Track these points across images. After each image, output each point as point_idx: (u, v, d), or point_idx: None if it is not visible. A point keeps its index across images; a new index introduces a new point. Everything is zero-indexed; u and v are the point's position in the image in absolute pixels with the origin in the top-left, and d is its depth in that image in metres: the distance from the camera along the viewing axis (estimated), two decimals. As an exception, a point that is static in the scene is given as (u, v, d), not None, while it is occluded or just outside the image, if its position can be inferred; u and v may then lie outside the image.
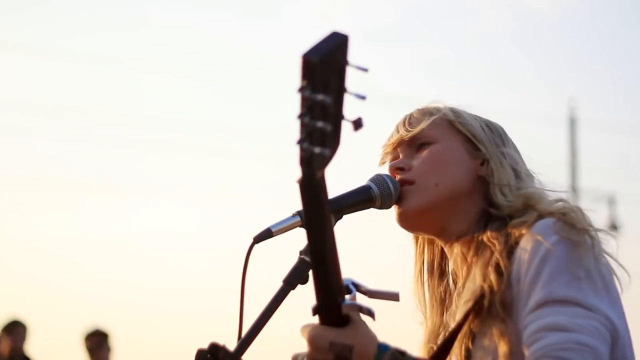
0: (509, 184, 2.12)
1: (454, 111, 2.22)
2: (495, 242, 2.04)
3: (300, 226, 2.07)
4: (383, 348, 1.80)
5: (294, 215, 2.07)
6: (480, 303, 1.99)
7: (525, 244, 1.97)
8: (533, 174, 2.20)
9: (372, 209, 2.16)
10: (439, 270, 2.28)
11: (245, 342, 1.96)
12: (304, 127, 1.54)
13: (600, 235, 2.00)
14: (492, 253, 2.03)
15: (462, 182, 2.15)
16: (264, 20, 24.38)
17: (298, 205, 2.09)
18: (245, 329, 1.98)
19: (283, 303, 2.00)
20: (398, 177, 2.17)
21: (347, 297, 1.84)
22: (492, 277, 1.98)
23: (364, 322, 1.84)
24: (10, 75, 21.56)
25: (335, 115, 1.57)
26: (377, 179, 2.15)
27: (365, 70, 1.62)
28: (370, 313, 1.86)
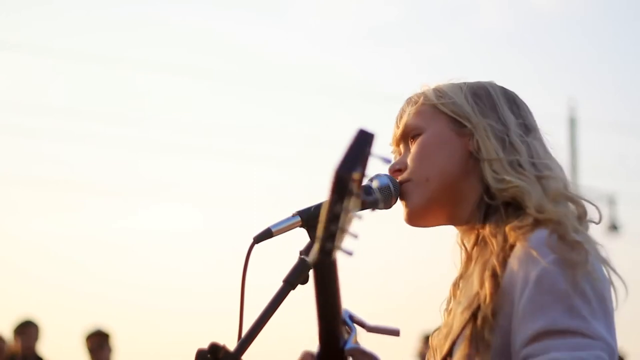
0: (498, 158, 2.07)
1: (437, 91, 2.18)
2: (494, 241, 2.01)
3: (301, 226, 2.07)
4: None
5: (294, 215, 2.07)
6: (475, 315, 1.96)
7: (520, 257, 1.93)
8: (532, 131, 2.14)
9: (372, 209, 2.16)
10: None
11: (245, 342, 1.96)
12: (326, 230, 1.58)
13: (597, 244, 1.97)
14: (490, 254, 2.00)
15: (451, 167, 2.12)
16: (267, 20, 24.38)
17: (298, 206, 2.10)
18: (245, 329, 1.99)
19: (283, 303, 2.01)
20: (398, 178, 2.17)
21: (346, 333, 1.84)
22: (487, 285, 1.95)
23: None
24: (10, 75, 21.56)
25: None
26: (378, 179, 2.15)
27: (389, 161, 1.68)
28: (374, 358, 1.84)
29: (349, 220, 1.59)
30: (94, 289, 16.19)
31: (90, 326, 8.71)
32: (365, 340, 1.92)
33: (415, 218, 2.16)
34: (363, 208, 2.14)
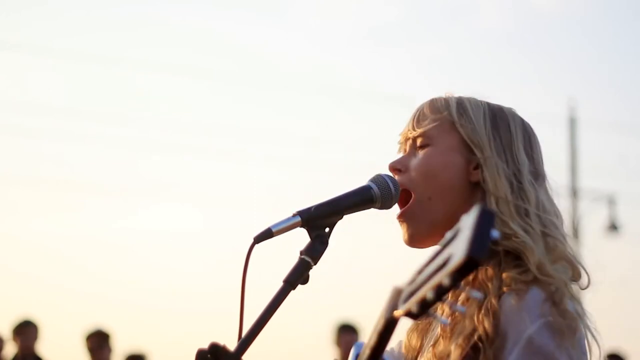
0: (506, 199, 2.07)
1: (460, 109, 2.17)
2: (490, 285, 2.00)
3: (301, 226, 2.07)
4: None
5: (294, 216, 2.07)
6: (474, 350, 1.97)
7: (514, 311, 1.95)
8: (540, 178, 2.14)
9: (372, 209, 2.16)
10: None
11: (245, 342, 1.96)
12: (426, 300, 1.61)
13: (586, 314, 2.01)
14: (485, 293, 1.99)
15: (454, 190, 2.12)
16: (267, 20, 24.38)
17: (298, 206, 2.10)
18: (246, 329, 1.99)
19: (283, 303, 2.00)
20: (396, 177, 2.17)
21: None
22: (487, 323, 1.96)
23: None
24: (10, 75, 21.56)
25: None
26: (378, 179, 2.15)
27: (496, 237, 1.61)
28: None
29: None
30: (94, 289, 16.20)
31: (90, 326, 8.72)
32: None
33: (415, 242, 2.16)
34: (363, 208, 2.14)
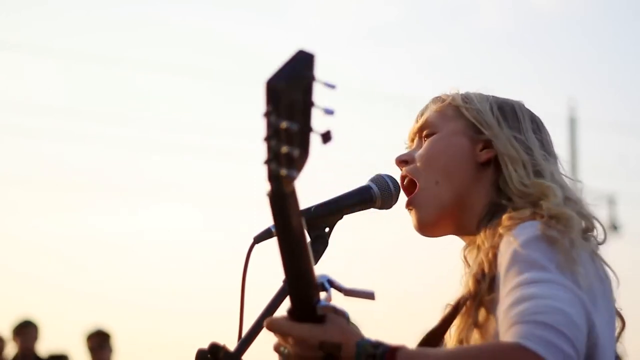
0: (523, 161, 2.06)
1: (463, 96, 2.18)
2: (485, 241, 1.99)
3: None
4: (361, 342, 1.78)
5: (294, 215, 2.07)
6: (458, 308, 1.97)
7: (504, 245, 1.91)
8: (552, 156, 2.14)
9: (372, 209, 2.16)
10: None
11: (245, 342, 1.96)
12: (270, 149, 1.58)
13: (591, 245, 1.95)
14: (479, 254, 1.99)
15: (460, 172, 2.11)
16: (267, 20, 24.38)
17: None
18: (245, 329, 1.99)
19: (283, 303, 2.00)
20: (403, 169, 2.17)
21: (322, 295, 1.84)
22: (471, 283, 1.96)
23: (342, 319, 1.83)
24: (10, 75, 21.55)
25: (302, 135, 1.60)
26: (378, 179, 2.15)
27: (333, 86, 1.64)
28: (345, 316, 1.85)
29: (293, 137, 1.58)
30: (94, 289, 16.20)
31: (90, 326, 8.71)
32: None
33: (426, 227, 2.15)
34: (363, 208, 2.14)
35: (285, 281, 2.00)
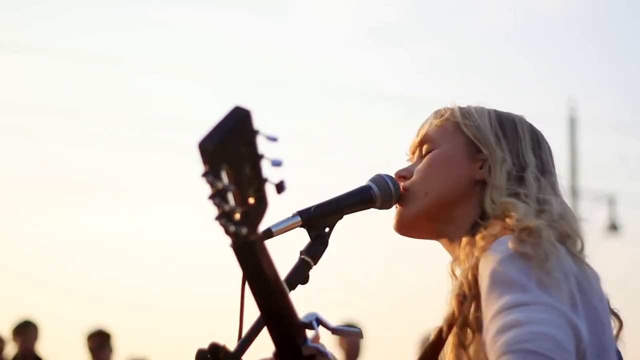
0: (500, 188, 2.06)
1: (463, 112, 2.18)
2: (465, 260, 1.99)
3: (301, 226, 2.07)
4: None
5: (294, 216, 2.07)
6: (443, 331, 1.97)
7: (482, 266, 1.91)
8: (547, 174, 2.13)
9: (372, 209, 2.16)
10: None
11: (245, 342, 1.96)
12: (217, 206, 1.59)
13: (569, 247, 1.94)
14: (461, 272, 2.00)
15: (453, 188, 2.12)
16: (267, 20, 24.38)
17: (298, 206, 2.10)
18: (246, 329, 1.99)
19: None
20: (402, 184, 2.17)
21: (310, 334, 1.84)
22: (454, 303, 1.96)
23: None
24: (10, 75, 21.55)
25: (257, 186, 1.61)
26: (378, 179, 2.15)
27: (275, 139, 1.65)
28: (329, 358, 1.87)
29: (237, 194, 1.59)
30: (94, 289, 16.20)
31: (90, 326, 8.71)
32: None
33: (403, 227, 2.16)
34: (363, 208, 2.14)
35: (286, 278, 2.00)
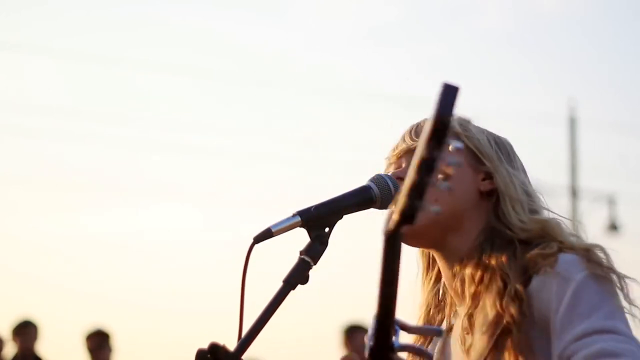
0: (521, 202, 2.11)
1: (461, 123, 2.19)
2: (510, 271, 2.03)
3: (301, 226, 2.07)
4: None
5: (294, 215, 2.07)
6: (503, 335, 1.99)
7: (551, 281, 1.99)
8: (541, 197, 2.18)
9: (372, 209, 2.16)
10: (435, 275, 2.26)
11: (245, 342, 1.96)
12: (418, 184, 1.54)
13: (625, 279, 2.04)
14: (504, 281, 2.02)
15: (462, 199, 2.13)
16: (267, 20, 24.38)
17: (298, 206, 2.10)
18: (245, 329, 1.99)
19: (283, 303, 2.01)
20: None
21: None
22: (513, 309, 1.99)
23: None
24: (10, 75, 21.55)
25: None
26: (378, 179, 2.15)
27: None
28: (429, 357, 1.90)
29: (442, 174, 1.55)
30: (94, 289, 16.20)
31: (90, 326, 8.71)
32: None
33: (413, 236, 2.14)
34: (363, 208, 2.14)
35: (286, 278, 2.00)
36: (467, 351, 2.06)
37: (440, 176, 1.55)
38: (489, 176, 2.15)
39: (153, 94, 22.94)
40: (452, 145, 1.56)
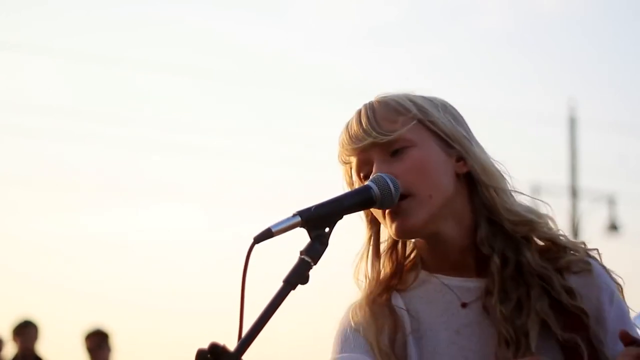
0: (501, 187, 2.14)
1: (419, 107, 2.14)
2: (553, 280, 2.09)
3: (301, 226, 2.07)
4: None
5: (294, 215, 2.07)
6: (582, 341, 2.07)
7: (592, 283, 2.11)
8: (497, 165, 2.19)
9: (372, 209, 2.16)
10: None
11: (245, 342, 1.96)
12: None
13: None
14: (542, 288, 2.09)
15: (447, 185, 2.13)
16: (267, 20, 24.38)
17: (298, 206, 2.10)
18: (246, 329, 1.98)
19: (283, 303, 2.00)
20: (400, 187, 2.14)
21: None
22: (579, 303, 2.09)
23: None
24: (10, 75, 21.55)
25: None
26: (378, 179, 2.14)
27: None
28: None
29: None
30: (94, 289, 16.21)
31: (89, 326, 8.71)
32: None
33: (411, 233, 2.14)
34: (363, 208, 2.14)
35: (286, 278, 2.00)
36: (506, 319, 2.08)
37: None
38: (460, 158, 2.15)
39: (153, 94, 22.96)
40: None
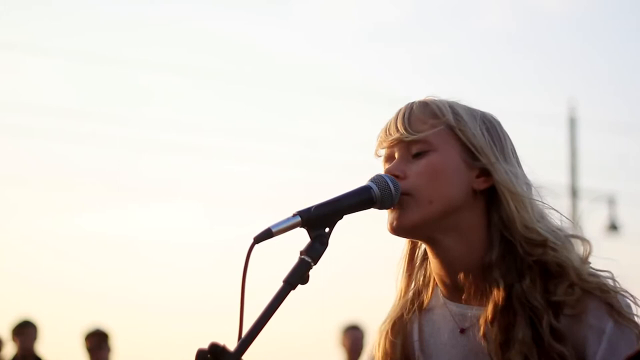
0: (526, 202, 2.08)
1: (455, 114, 2.12)
2: (545, 313, 2.03)
3: (301, 226, 2.07)
4: None
5: (294, 216, 2.07)
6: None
7: (581, 325, 2.03)
8: (530, 182, 2.14)
9: (372, 209, 2.16)
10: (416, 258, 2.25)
11: (245, 342, 1.96)
12: None
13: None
14: (530, 319, 2.03)
15: (456, 197, 2.09)
16: (269, 19, 24.39)
17: (298, 206, 2.10)
18: (246, 329, 1.99)
19: (283, 303, 2.00)
20: (401, 185, 2.14)
21: None
22: (558, 347, 2.02)
23: None
24: (10, 75, 21.55)
25: None
26: (378, 179, 2.14)
27: None
28: None
29: None
30: (94, 289, 16.21)
31: (89, 326, 8.71)
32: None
33: (403, 231, 2.13)
34: (363, 208, 2.14)
35: (286, 278, 2.00)
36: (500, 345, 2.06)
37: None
38: (484, 173, 2.11)
39: (153, 94, 22.94)
40: None
